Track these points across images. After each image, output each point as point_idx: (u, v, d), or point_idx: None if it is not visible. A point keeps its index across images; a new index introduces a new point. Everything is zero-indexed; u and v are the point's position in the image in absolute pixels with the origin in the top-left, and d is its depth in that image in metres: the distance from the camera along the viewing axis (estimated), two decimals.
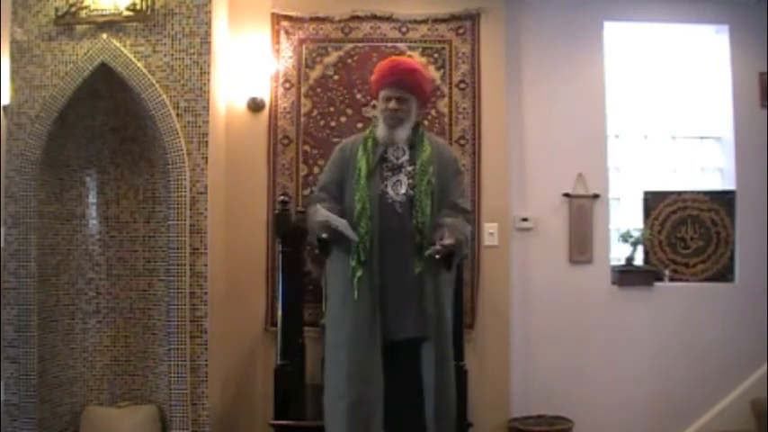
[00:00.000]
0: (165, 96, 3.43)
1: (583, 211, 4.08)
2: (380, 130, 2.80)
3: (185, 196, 3.40)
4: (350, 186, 2.75)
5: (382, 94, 2.81)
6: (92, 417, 3.51)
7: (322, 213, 2.61)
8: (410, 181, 2.74)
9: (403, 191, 2.73)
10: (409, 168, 2.77)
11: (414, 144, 2.80)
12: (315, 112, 3.94)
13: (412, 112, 2.82)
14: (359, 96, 3.92)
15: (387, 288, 2.67)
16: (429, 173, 2.73)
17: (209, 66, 3.49)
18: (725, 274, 4.16)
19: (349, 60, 3.95)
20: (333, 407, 2.69)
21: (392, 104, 2.77)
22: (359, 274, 2.63)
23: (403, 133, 2.79)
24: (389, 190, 2.73)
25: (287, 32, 3.96)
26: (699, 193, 4.20)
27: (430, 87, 2.95)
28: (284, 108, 3.94)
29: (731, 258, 4.16)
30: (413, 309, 2.67)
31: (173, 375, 3.37)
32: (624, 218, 4.26)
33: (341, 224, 2.62)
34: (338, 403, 2.66)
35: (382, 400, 2.62)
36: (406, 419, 2.69)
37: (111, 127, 3.65)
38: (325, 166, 3.68)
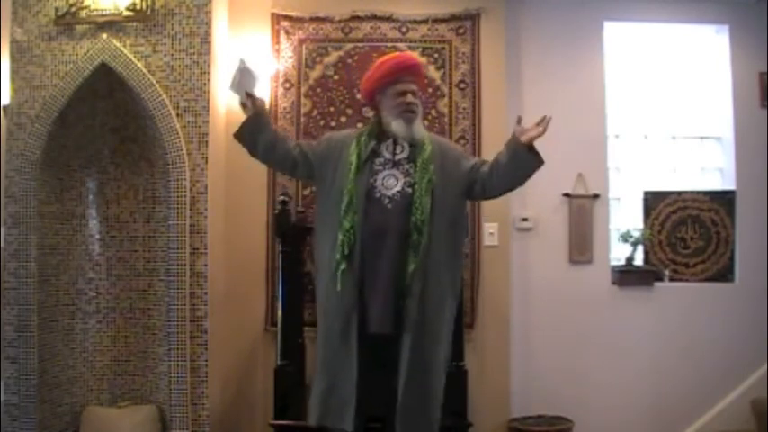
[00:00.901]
0: (165, 96, 3.43)
1: (583, 211, 4.08)
2: (397, 126, 2.74)
3: (185, 196, 3.40)
4: (330, 179, 2.74)
5: (395, 88, 2.75)
6: (92, 417, 3.51)
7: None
8: (407, 179, 2.72)
9: (398, 188, 2.71)
10: (407, 166, 2.75)
11: (414, 141, 2.79)
12: (315, 112, 3.94)
13: (420, 105, 2.83)
14: (359, 96, 3.91)
15: (367, 282, 2.66)
16: (430, 171, 2.70)
17: (209, 66, 3.49)
18: (725, 274, 4.17)
19: (349, 60, 3.95)
20: (312, 392, 2.73)
21: (410, 98, 2.75)
22: (342, 267, 2.62)
23: (420, 127, 2.79)
24: (378, 184, 2.71)
25: (287, 32, 3.96)
26: (699, 193, 4.20)
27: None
28: (284, 108, 3.94)
29: (731, 258, 4.16)
30: (392, 304, 2.65)
31: (173, 375, 3.37)
32: (624, 218, 4.26)
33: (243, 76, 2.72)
34: (315, 389, 2.70)
35: (355, 391, 2.61)
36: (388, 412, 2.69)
37: (111, 127, 3.65)
38: None
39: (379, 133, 2.79)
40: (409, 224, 2.64)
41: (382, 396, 2.65)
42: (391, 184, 2.71)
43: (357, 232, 2.63)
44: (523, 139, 2.60)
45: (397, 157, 2.75)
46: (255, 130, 2.78)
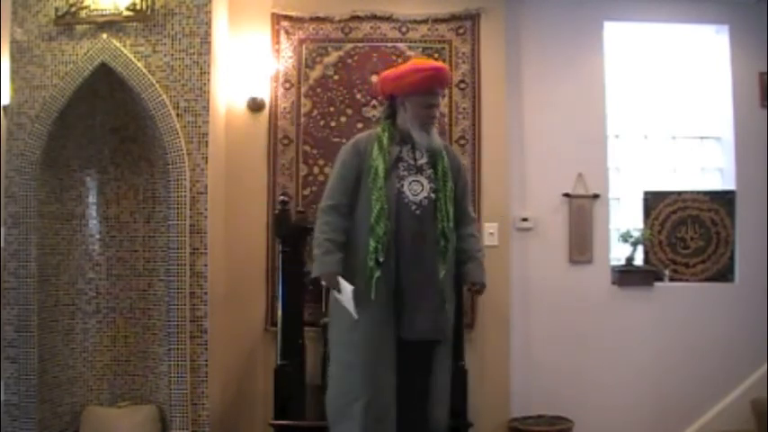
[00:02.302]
0: (165, 96, 3.43)
1: (583, 211, 4.08)
2: (419, 137, 2.76)
3: (185, 196, 3.40)
4: (364, 184, 2.73)
5: (425, 100, 2.75)
6: (92, 417, 3.51)
7: (335, 275, 2.66)
8: (431, 184, 2.73)
9: (424, 194, 2.71)
10: (429, 171, 2.75)
11: (430, 147, 2.80)
12: (315, 112, 3.94)
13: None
14: (359, 96, 3.92)
15: (402, 289, 2.66)
16: (450, 178, 2.75)
17: (209, 66, 3.49)
18: (725, 274, 4.16)
19: (349, 60, 3.95)
20: (345, 408, 2.67)
21: (434, 112, 2.78)
22: (377, 274, 2.60)
23: (436, 135, 2.81)
24: (406, 190, 2.71)
25: (287, 32, 3.96)
26: (699, 193, 4.20)
27: None
28: (284, 108, 3.94)
29: (731, 258, 4.16)
30: (434, 311, 2.66)
31: (173, 375, 3.37)
32: (624, 218, 4.26)
33: (345, 299, 2.64)
34: (353, 404, 2.64)
35: (395, 400, 2.62)
36: (410, 417, 2.69)
37: (111, 127, 3.65)
38: (327, 166, 3.68)
39: (397, 136, 2.79)
40: (437, 230, 2.65)
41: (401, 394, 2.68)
42: (417, 189, 2.72)
43: (391, 239, 2.62)
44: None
45: (419, 163, 2.76)
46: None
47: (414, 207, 2.69)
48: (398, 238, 2.65)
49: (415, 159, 2.76)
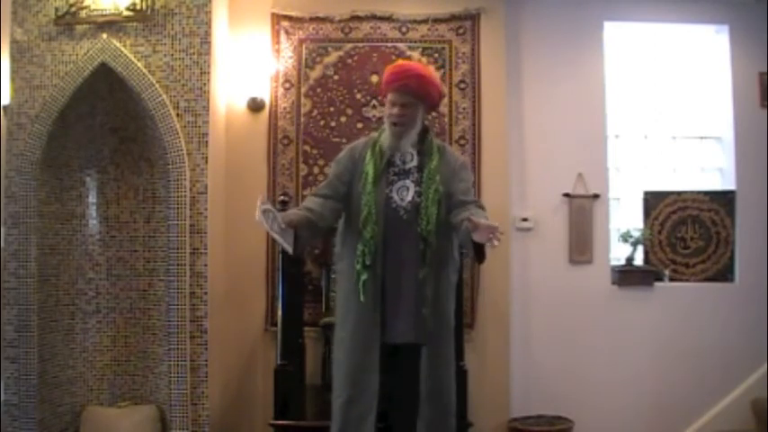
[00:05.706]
0: (165, 96, 3.43)
1: (583, 211, 4.08)
2: (385, 137, 2.75)
3: (185, 196, 3.40)
4: (356, 189, 2.74)
5: (390, 97, 2.74)
6: (92, 417, 3.51)
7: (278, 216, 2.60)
8: (417, 188, 2.73)
9: (409, 198, 2.71)
10: (417, 175, 2.75)
11: (422, 150, 2.78)
12: (315, 112, 3.94)
13: (417, 119, 2.74)
14: (359, 96, 3.92)
15: (387, 292, 2.68)
16: (437, 181, 2.70)
17: (209, 66, 3.49)
18: (725, 274, 4.16)
19: (349, 60, 3.95)
20: (333, 404, 2.72)
21: (395, 110, 2.71)
22: (364, 277, 2.62)
23: (407, 141, 2.74)
24: (394, 195, 2.72)
25: (287, 32, 3.96)
26: (699, 193, 4.20)
27: (438, 92, 2.85)
28: (284, 108, 3.94)
29: (731, 258, 4.16)
30: (412, 314, 2.67)
31: (173, 375, 3.37)
32: (624, 218, 4.26)
33: (277, 235, 2.58)
34: (336, 400, 2.70)
35: (377, 401, 2.63)
36: (404, 420, 2.70)
37: (111, 127, 3.65)
38: (327, 166, 3.69)
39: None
40: (416, 233, 2.66)
41: (390, 399, 2.69)
42: (404, 194, 2.72)
43: (378, 243, 2.64)
44: (475, 238, 2.44)
45: (407, 166, 2.76)
46: (303, 238, 2.68)
47: (401, 212, 2.70)
48: (386, 241, 2.67)
49: (404, 163, 2.76)
